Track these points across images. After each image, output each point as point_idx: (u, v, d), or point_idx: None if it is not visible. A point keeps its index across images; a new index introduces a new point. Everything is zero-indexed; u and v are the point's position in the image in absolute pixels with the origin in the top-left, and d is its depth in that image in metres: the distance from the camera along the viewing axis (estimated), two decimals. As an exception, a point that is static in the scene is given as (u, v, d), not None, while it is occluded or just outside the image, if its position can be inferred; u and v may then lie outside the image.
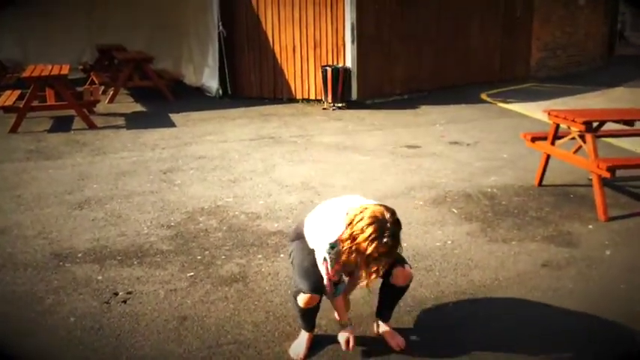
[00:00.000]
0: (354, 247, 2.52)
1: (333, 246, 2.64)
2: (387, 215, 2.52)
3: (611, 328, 3.07)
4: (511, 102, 9.80)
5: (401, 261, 2.79)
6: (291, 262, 2.97)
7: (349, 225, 2.54)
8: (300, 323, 2.92)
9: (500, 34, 11.75)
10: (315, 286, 2.72)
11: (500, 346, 2.91)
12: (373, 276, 2.59)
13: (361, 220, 2.50)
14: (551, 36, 12.79)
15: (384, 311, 3.00)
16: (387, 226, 2.49)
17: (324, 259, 2.69)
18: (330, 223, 2.68)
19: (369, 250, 2.47)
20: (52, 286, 3.53)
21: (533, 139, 5.57)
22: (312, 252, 2.80)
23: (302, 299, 2.73)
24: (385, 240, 2.47)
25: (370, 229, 2.47)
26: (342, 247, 2.56)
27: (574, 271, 3.72)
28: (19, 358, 2.82)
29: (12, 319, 3.18)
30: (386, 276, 2.80)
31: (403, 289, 2.91)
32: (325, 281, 2.74)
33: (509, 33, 11.89)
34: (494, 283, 3.58)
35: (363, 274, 2.62)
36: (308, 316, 2.85)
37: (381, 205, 2.59)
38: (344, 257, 2.58)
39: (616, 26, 15.66)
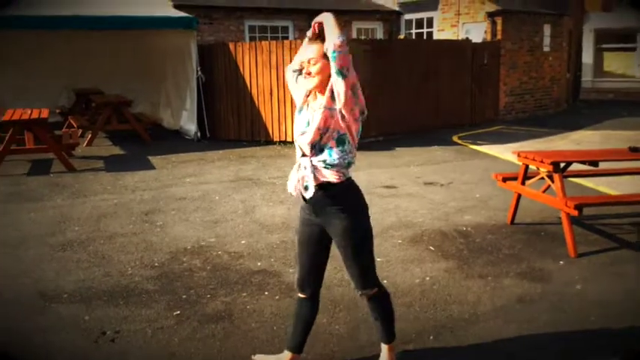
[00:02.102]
0: None
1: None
2: None
3: (583, 357, 3.23)
4: (481, 144, 10.15)
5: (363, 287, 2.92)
6: None
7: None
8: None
9: (469, 80, 12.23)
10: (298, 278, 2.96)
11: (480, 377, 3.04)
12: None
13: None
14: (517, 81, 13.35)
15: (379, 333, 3.11)
16: None
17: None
18: None
19: None
20: (39, 325, 3.56)
21: (504, 180, 5.82)
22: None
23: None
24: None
25: None
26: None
27: (547, 305, 3.88)
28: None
29: (0, 360, 3.20)
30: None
31: (376, 307, 3.00)
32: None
33: (477, 79, 12.39)
34: (472, 317, 3.72)
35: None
36: (296, 317, 3.01)
37: None
38: None
39: (580, 72, 16.39)
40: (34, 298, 3.95)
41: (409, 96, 11.14)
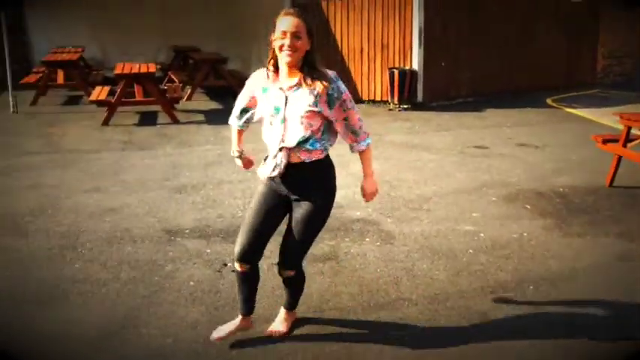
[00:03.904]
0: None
1: None
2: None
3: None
4: (577, 107, 9.86)
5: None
6: None
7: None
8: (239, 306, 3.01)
9: (565, 41, 11.78)
10: (240, 249, 2.82)
11: (582, 327, 3.16)
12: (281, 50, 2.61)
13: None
14: (616, 43, 12.71)
15: (285, 299, 3.14)
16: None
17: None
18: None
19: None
20: (168, 256, 3.99)
21: (605, 141, 5.73)
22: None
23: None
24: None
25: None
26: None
27: (648, 263, 3.92)
28: (150, 314, 3.26)
29: (140, 282, 3.64)
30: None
31: (289, 285, 3.05)
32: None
33: (574, 40, 11.90)
34: (572, 271, 3.82)
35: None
36: (245, 289, 2.95)
37: None
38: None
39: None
40: (160, 234, 4.40)
41: (501, 56, 10.90)
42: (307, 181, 2.78)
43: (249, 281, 2.95)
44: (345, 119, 2.77)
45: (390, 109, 9.75)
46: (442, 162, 6.54)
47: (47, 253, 4.05)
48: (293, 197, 2.82)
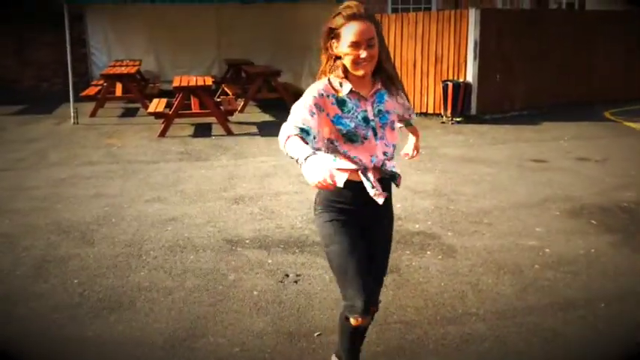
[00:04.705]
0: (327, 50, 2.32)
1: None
2: None
3: None
4: (637, 121, 9.54)
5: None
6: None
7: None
8: (344, 356, 2.62)
9: (623, 53, 11.43)
10: (364, 303, 2.30)
11: (659, 346, 3.03)
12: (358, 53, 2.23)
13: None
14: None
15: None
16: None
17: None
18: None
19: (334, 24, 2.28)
20: (231, 265, 4.04)
21: (674, 156, 5.52)
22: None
23: (353, 318, 2.36)
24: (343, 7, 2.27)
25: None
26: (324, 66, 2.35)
27: None
28: (217, 322, 3.29)
29: (204, 290, 3.68)
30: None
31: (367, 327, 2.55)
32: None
33: (633, 52, 11.54)
34: (645, 289, 3.67)
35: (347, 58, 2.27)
36: (356, 340, 2.56)
37: None
38: (329, 69, 2.33)
39: None
40: (221, 243, 4.45)
41: (557, 68, 10.66)
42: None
43: (361, 336, 2.56)
44: None
45: (443, 122, 9.66)
46: (500, 175, 6.42)
47: (113, 261, 4.15)
48: (373, 217, 2.43)
